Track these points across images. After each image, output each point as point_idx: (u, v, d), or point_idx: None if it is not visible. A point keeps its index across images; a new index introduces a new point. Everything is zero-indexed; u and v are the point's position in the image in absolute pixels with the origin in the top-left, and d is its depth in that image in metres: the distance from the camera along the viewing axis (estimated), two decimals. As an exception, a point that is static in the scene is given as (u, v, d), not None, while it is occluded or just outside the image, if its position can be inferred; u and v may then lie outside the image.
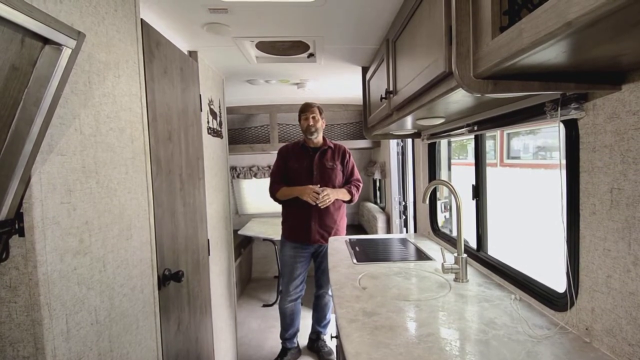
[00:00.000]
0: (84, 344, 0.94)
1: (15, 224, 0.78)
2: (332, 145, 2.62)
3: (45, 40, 0.69)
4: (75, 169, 0.93)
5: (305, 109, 2.53)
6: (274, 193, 2.56)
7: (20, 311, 0.82)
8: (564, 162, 1.05)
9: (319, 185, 2.46)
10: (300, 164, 2.55)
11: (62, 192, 0.89)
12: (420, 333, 1.07)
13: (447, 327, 1.11)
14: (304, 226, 2.52)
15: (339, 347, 1.61)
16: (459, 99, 1.09)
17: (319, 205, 2.40)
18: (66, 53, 0.73)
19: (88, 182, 0.98)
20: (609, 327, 0.90)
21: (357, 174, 2.67)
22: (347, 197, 2.56)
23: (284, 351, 2.73)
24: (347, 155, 2.64)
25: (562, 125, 1.03)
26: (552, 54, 0.62)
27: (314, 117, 2.51)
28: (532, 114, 1.14)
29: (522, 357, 0.92)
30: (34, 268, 0.81)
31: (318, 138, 2.56)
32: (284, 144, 2.80)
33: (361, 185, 2.66)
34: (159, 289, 1.35)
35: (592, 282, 0.96)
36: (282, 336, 2.74)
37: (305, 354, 2.79)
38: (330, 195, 2.43)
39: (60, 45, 0.71)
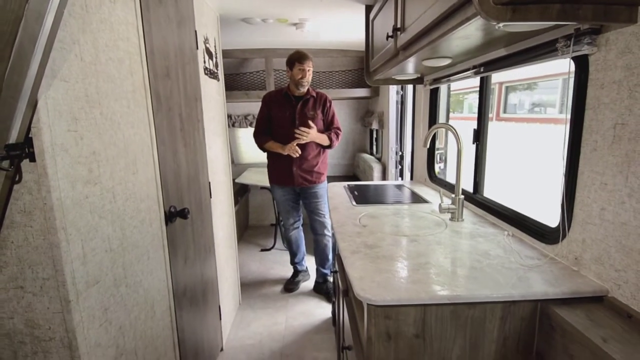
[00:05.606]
0: (100, 269, 0.99)
1: (26, 149, 0.78)
2: (314, 94, 2.63)
3: (42, -53, 0.65)
4: (78, 97, 0.91)
5: (302, 60, 2.47)
6: (261, 144, 2.65)
7: (36, 235, 0.84)
8: (569, 105, 1.05)
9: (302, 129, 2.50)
10: (283, 113, 2.59)
11: (68, 119, 0.87)
12: (419, 262, 1.13)
13: (444, 257, 1.18)
14: (287, 171, 2.64)
15: (337, 281, 1.70)
16: (471, 32, 1.06)
17: (296, 136, 2.49)
18: (64, -36, 0.68)
19: (92, 112, 0.96)
20: (598, 255, 0.97)
21: (338, 122, 2.73)
22: (326, 143, 2.64)
23: (296, 273, 3.07)
24: (328, 104, 2.66)
25: (572, 62, 1.02)
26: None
27: (309, 70, 2.50)
28: (542, 51, 1.12)
29: (514, 281, 0.99)
30: (47, 193, 0.82)
31: (305, 89, 2.57)
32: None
33: (341, 133, 2.72)
34: (166, 224, 1.39)
35: (585, 215, 1.00)
36: (291, 262, 3.07)
37: (313, 296, 2.92)
38: (309, 136, 2.50)
39: (58, -47, 0.66)
